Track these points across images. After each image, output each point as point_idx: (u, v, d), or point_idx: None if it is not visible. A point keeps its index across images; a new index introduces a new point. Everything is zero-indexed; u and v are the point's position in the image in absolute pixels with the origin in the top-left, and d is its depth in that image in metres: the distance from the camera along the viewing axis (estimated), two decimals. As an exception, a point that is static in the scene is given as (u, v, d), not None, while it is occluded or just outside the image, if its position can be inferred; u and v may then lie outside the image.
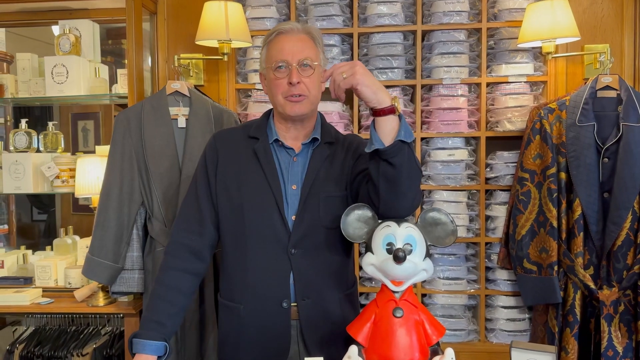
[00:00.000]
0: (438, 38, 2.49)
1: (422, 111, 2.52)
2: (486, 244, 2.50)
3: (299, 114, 1.50)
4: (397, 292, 1.31)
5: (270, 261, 1.50)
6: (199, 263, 1.56)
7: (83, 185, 2.39)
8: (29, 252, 2.78)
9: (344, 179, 1.55)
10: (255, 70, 2.52)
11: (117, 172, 2.18)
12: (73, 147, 3.73)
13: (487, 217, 2.51)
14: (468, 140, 2.52)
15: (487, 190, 2.51)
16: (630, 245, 2.13)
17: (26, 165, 2.55)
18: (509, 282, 2.46)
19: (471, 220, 2.50)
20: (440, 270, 2.48)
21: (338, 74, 1.35)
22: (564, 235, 2.23)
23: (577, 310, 2.19)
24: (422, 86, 2.52)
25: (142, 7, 2.45)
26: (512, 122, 2.44)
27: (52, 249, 2.77)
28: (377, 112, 1.32)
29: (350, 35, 2.55)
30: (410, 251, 1.30)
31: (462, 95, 2.48)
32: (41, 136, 2.71)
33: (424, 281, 2.34)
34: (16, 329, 2.69)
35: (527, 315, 2.46)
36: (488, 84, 2.49)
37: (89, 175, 2.38)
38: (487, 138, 2.49)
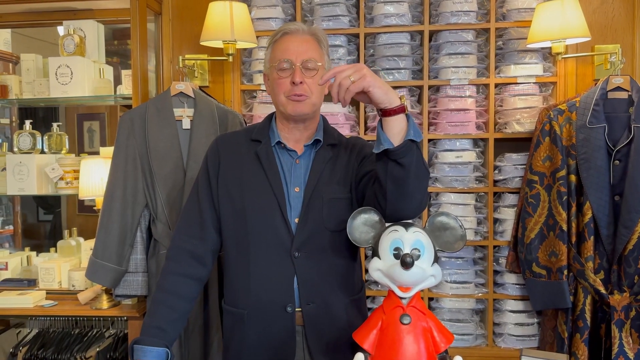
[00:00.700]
0: (446, 38, 2.46)
1: (429, 112, 2.49)
2: (494, 247, 2.46)
3: (300, 114, 1.49)
4: (404, 298, 1.28)
5: (274, 265, 1.48)
6: (200, 268, 1.54)
7: (87, 187, 2.37)
8: (33, 253, 2.77)
9: (348, 181, 1.53)
10: (261, 71, 2.50)
11: (121, 173, 2.16)
12: (79, 148, 3.72)
13: (496, 220, 2.47)
14: (476, 141, 2.49)
15: (495, 193, 2.47)
16: (642, 250, 2.09)
17: (30, 166, 2.54)
18: (517, 286, 2.42)
19: (479, 223, 2.46)
20: (448, 273, 2.45)
21: (344, 78, 1.27)
22: (573, 239, 2.20)
23: (588, 316, 2.16)
24: (430, 87, 2.49)
25: (146, 8, 2.44)
26: (521, 124, 2.40)
27: (55, 250, 2.75)
28: (387, 112, 1.29)
29: (357, 36, 2.52)
30: (418, 256, 1.27)
31: (470, 96, 2.45)
32: (45, 137, 2.70)
33: (431, 285, 2.31)
34: (20, 331, 2.68)
35: (535, 320, 2.43)
36: (496, 85, 2.46)
37: (93, 176, 2.37)
38: (496, 140, 2.45)
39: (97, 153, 3.60)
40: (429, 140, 2.49)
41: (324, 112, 2.45)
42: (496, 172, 2.46)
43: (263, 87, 2.50)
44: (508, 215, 2.42)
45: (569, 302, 2.18)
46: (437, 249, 1.33)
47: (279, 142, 1.53)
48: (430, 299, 2.49)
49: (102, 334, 2.52)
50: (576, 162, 2.18)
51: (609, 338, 2.12)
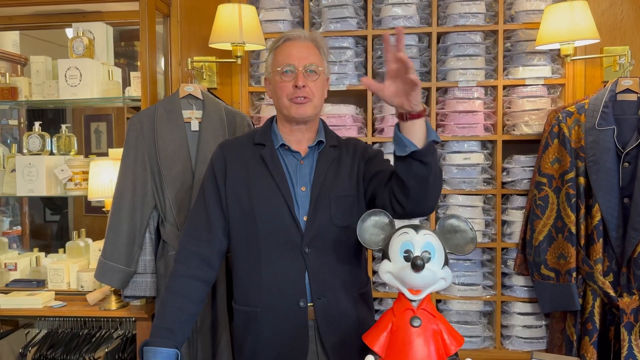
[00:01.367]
0: (454, 40, 2.46)
1: (437, 114, 2.49)
2: (502, 249, 2.46)
3: (303, 116, 1.54)
4: (414, 300, 1.28)
5: (285, 262, 1.52)
6: (208, 270, 1.57)
7: (96, 189, 2.38)
8: (42, 254, 2.78)
9: (353, 180, 1.59)
10: (269, 73, 2.50)
11: (130, 175, 2.17)
12: (86, 149, 3.74)
13: (504, 222, 2.47)
14: (484, 143, 2.49)
15: (503, 195, 2.47)
16: (652, 252, 2.08)
17: (39, 167, 2.55)
18: (525, 288, 2.42)
19: (487, 225, 2.46)
20: (456, 275, 2.44)
21: (412, 66, 1.31)
22: (582, 241, 2.19)
23: (597, 318, 2.15)
24: (437, 89, 2.49)
25: (155, 10, 2.44)
26: (530, 126, 2.40)
27: (64, 252, 2.77)
28: (413, 116, 1.35)
29: (365, 38, 2.52)
30: (429, 259, 1.27)
31: (478, 98, 2.44)
32: (54, 139, 2.71)
33: (439, 287, 2.31)
34: (29, 331, 2.70)
35: (544, 322, 2.42)
36: (505, 87, 2.46)
37: (102, 178, 2.38)
38: (504, 141, 2.45)
39: (104, 154, 3.61)
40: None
41: (332, 113, 2.48)
42: (504, 174, 2.45)
43: (270, 89, 2.51)
44: (516, 217, 2.41)
45: (577, 304, 2.18)
46: (447, 251, 1.33)
47: (282, 145, 1.58)
48: (438, 301, 2.48)
49: (110, 335, 2.53)
50: (585, 165, 2.17)
51: (618, 341, 2.11)
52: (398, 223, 1.37)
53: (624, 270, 2.13)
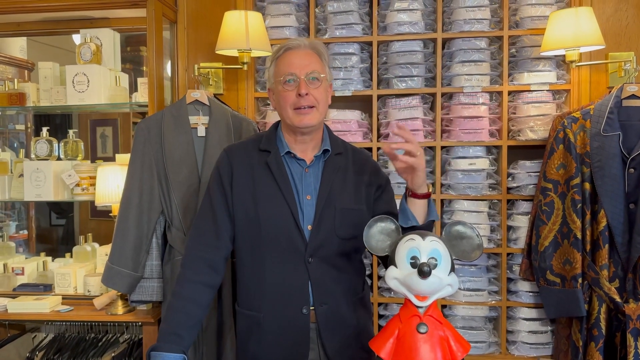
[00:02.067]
0: (459, 46, 2.47)
1: (442, 119, 2.50)
2: (508, 254, 2.46)
3: (308, 125, 1.55)
4: (421, 307, 1.29)
5: (289, 270, 1.54)
6: (214, 275, 1.58)
7: (103, 194, 2.40)
8: (49, 259, 2.80)
9: (361, 196, 1.61)
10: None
11: (137, 180, 2.19)
12: (92, 154, 3.76)
13: (509, 228, 2.47)
14: (489, 149, 2.49)
15: (508, 200, 2.47)
16: (658, 258, 2.08)
17: (47, 173, 2.57)
18: (531, 293, 2.42)
19: (492, 230, 2.46)
20: (461, 281, 2.45)
21: (415, 147, 1.41)
22: (588, 247, 2.19)
23: (603, 324, 2.14)
24: (443, 94, 2.50)
25: (162, 17, 2.46)
26: (535, 131, 2.40)
27: (71, 256, 2.78)
28: (417, 195, 1.49)
29: (370, 44, 2.53)
30: (435, 265, 1.28)
31: (483, 104, 2.45)
32: (62, 144, 2.73)
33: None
34: (35, 335, 2.71)
35: (549, 328, 2.42)
36: (510, 93, 2.46)
37: (110, 183, 2.39)
38: (509, 147, 2.45)
39: (110, 158, 3.63)
40: (442, 148, 2.49)
41: (338, 119, 2.49)
42: (509, 179, 2.46)
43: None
44: (522, 222, 2.42)
45: (583, 310, 2.17)
46: (453, 258, 1.34)
47: (288, 152, 1.59)
48: (444, 306, 2.49)
49: (116, 339, 2.55)
50: (590, 170, 2.17)
51: (624, 347, 2.10)
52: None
53: (629, 276, 2.13)
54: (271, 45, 2.45)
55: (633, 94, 2.17)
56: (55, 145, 2.69)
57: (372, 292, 2.49)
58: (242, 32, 2.26)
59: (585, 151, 2.19)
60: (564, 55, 2.34)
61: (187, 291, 1.54)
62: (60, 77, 2.72)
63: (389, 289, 2.49)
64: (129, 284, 2.19)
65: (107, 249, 2.59)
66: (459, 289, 2.45)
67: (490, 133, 2.46)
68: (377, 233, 1.39)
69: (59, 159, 2.71)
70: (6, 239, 2.97)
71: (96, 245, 2.77)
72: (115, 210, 2.33)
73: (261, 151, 1.60)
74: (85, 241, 2.77)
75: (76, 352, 2.44)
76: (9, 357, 2.52)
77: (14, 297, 2.48)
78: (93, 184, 2.56)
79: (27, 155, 3.24)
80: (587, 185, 2.19)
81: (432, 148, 2.50)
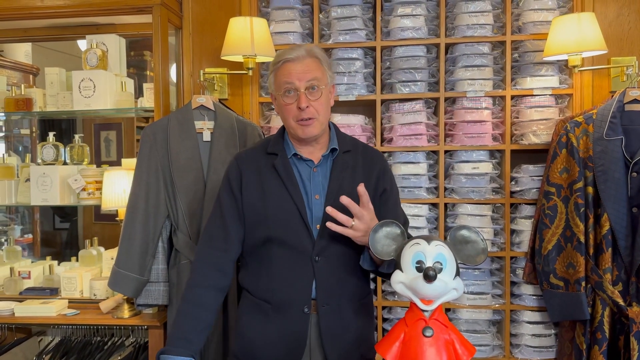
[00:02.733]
0: (462, 51, 2.48)
1: (445, 124, 2.51)
2: (511, 258, 2.47)
3: (310, 136, 1.58)
4: (426, 311, 1.31)
5: (295, 268, 1.56)
6: (223, 279, 1.61)
7: (110, 198, 2.42)
8: (55, 262, 2.82)
9: (369, 194, 1.58)
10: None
11: (143, 185, 2.20)
12: (96, 158, 3.79)
13: (513, 231, 2.48)
14: (492, 153, 2.51)
15: (512, 204, 2.48)
16: (661, 262, 2.09)
17: (53, 177, 2.58)
18: (534, 297, 2.43)
19: (496, 234, 2.47)
20: (465, 284, 2.46)
21: (348, 221, 1.49)
22: (591, 251, 2.20)
23: (606, 327, 2.15)
24: (446, 99, 2.52)
25: (168, 23, 2.49)
26: (538, 135, 2.42)
27: (76, 259, 2.80)
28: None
29: (374, 49, 2.55)
30: (441, 269, 1.29)
31: (486, 108, 2.47)
32: (67, 148, 2.75)
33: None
34: (42, 339, 2.73)
35: (553, 331, 2.43)
36: (513, 97, 2.48)
37: (116, 188, 2.41)
38: (512, 151, 2.47)
39: (113, 162, 3.65)
40: (446, 152, 2.51)
41: (342, 123, 2.51)
42: (513, 183, 2.47)
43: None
44: (525, 226, 2.43)
45: (587, 313, 2.18)
46: (458, 262, 1.35)
47: (295, 154, 1.61)
48: (448, 309, 2.50)
49: (122, 343, 2.56)
50: (593, 174, 2.19)
51: (627, 350, 2.11)
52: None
53: (633, 279, 2.14)
54: (275, 50, 2.47)
55: (635, 99, 2.18)
56: (62, 150, 2.71)
57: (376, 296, 2.50)
58: (247, 38, 2.28)
59: (588, 155, 2.21)
60: (566, 60, 2.35)
61: (196, 296, 1.56)
62: (66, 82, 2.74)
63: (394, 293, 2.51)
64: (135, 287, 2.21)
65: (112, 252, 2.61)
66: (463, 292, 2.46)
67: (493, 137, 2.47)
68: (383, 237, 1.41)
69: (64, 163, 2.73)
70: (12, 242, 2.98)
71: (102, 249, 2.79)
72: (122, 215, 2.35)
73: (269, 154, 1.63)
74: (91, 245, 2.79)
75: (82, 356, 2.46)
76: (15, 361, 2.54)
77: (20, 301, 2.49)
78: (99, 189, 2.58)
79: (33, 160, 3.27)
80: (590, 189, 2.20)
81: (435, 152, 2.52)
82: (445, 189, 2.50)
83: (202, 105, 2.28)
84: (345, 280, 1.59)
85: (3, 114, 2.77)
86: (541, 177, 2.40)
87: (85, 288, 2.57)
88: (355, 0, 2.51)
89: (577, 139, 2.22)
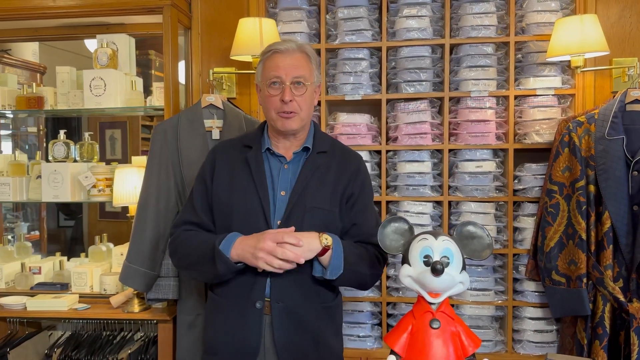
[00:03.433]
0: (466, 51, 2.53)
1: (449, 123, 2.56)
2: (514, 255, 2.51)
3: (289, 130, 1.60)
4: (433, 303, 1.35)
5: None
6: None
7: (121, 195, 2.46)
8: (64, 258, 2.87)
9: (336, 197, 1.63)
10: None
11: (154, 182, 2.25)
12: (101, 156, 3.84)
13: (515, 229, 2.52)
14: (496, 152, 2.55)
15: (515, 202, 2.53)
16: (661, 259, 2.14)
17: (64, 174, 2.63)
18: (536, 293, 2.47)
19: (499, 231, 2.52)
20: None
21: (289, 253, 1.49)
22: (593, 248, 2.24)
23: (607, 323, 2.20)
24: (450, 98, 2.56)
25: (177, 23, 2.53)
26: (540, 135, 2.46)
27: (85, 256, 2.85)
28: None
29: (379, 49, 2.59)
30: (448, 264, 1.33)
31: (490, 108, 2.51)
32: (77, 146, 2.79)
33: (452, 292, 2.37)
34: (51, 333, 2.78)
35: (554, 327, 2.47)
36: (516, 97, 2.52)
37: (127, 185, 2.46)
38: (515, 150, 2.51)
39: (119, 160, 3.70)
40: (450, 150, 2.55)
41: (347, 122, 2.55)
42: (516, 181, 2.51)
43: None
44: (527, 224, 2.47)
45: (588, 309, 2.23)
46: (464, 257, 1.40)
47: (268, 149, 1.64)
48: (451, 305, 2.53)
49: (131, 337, 2.61)
50: (595, 173, 2.23)
51: (628, 345, 2.15)
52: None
53: (633, 276, 2.18)
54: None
55: (636, 99, 2.23)
56: (72, 147, 2.75)
57: (380, 292, 2.55)
58: (256, 38, 2.33)
59: (590, 154, 2.25)
60: (569, 61, 2.39)
61: (188, 232, 1.65)
62: (77, 81, 2.79)
63: (397, 289, 2.56)
64: (146, 282, 2.25)
65: (121, 249, 2.66)
66: (466, 288, 2.50)
67: (496, 136, 2.52)
68: (391, 233, 1.45)
69: (74, 161, 2.78)
70: (22, 239, 3.03)
71: (111, 245, 2.83)
72: (133, 211, 2.40)
73: (244, 147, 1.67)
74: (101, 241, 2.83)
75: (93, 349, 2.50)
76: (27, 354, 2.58)
77: (32, 296, 2.54)
78: (109, 185, 2.63)
79: (42, 157, 3.31)
80: (592, 188, 2.24)
81: (439, 151, 2.56)
82: (450, 187, 2.55)
83: (211, 104, 2.32)
84: (303, 281, 1.59)
85: (10, 112, 2.81)
86: (544, 176, 2.45)
87: (95, 283, 2.62)
88: (361, 1, 2.56)
89: (579, 138, 2.27)
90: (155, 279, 2.27)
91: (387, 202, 2.57)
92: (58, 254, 2.95)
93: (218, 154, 1.69)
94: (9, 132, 3.97)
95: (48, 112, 2.89)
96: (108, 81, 2.59)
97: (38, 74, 3.94)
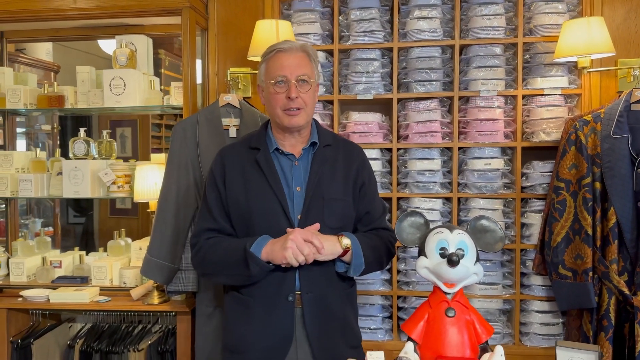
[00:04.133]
0: (475, 52, 2.59)
1: (459, 122, 2.63)
2: (522, 250, 2.58)
3: (296, 126, 1.65)
4: (449, 293, 1.43)
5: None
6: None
7: (142, 191, 2.54)
8: (83, 252, 2.95)
9: (348, 186, 1.69)
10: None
11: (174, 179, 2.33)
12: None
13: (523, 225, 2.59)
14: (504, 150, 2.62)
15: (522, 199, 2.59)
16: (664, 253, 2.21)
17: (85, 171, 2.70)
18: (543, 287, 2.54)
19: (507, 227, 2.59)
20: (477, 275, 2.57)
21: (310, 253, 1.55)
22: (598, 243, 2.31)
23: (612, 315, 2.27)
24: (460, 98, 2.63)
25: (195, 24, 2.60)
26: (547, 133, 2.53)
27: (103, 250, 2.93)
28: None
29: (391, 50, 2.66)
30: (463, 256, 1.41)
31: (498, 107, 2.58)
32: (95, 144, 2.87)
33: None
34: (71, 325, 2.86)
35: (560, 320, 2.54)
36: (524, 97, 2.59)
37: (147, 181, 2.53)
38: (523, 148, 2.58)
39: (129, 158, 3.77)
40: (459, 148, 2.62)
41: (359, 121, 2.62)
42: (523, 179, 2.58)
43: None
44: (535, 220, 2.54)
45: (594, 302, 2.30)
46: (478, 249, 1.47)
47: (277, 149, 1.68)
48: (460, 299, 2.61)
49: (150, 329, 2.69)
50: (601, 170, 2.30)
51: (632, 337, 2.22)
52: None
53: (637, 270, 2.25)
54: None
55: (641, 99, 2.30)
56: (92, 145, 2.83)
57: (391, 286, 2.63)
58: (273, 39, 2.40)
59: (595, 152, 2.32)
60: (575, 62, 2.46)
61: (211, 240, 1.67)
62: (96, 80, 2.86)
63: (407, 283, 2.63)
64: (166, 275, 2.33)
65: (140, 243, 2.74)
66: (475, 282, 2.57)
67: (505, 135, 2.59)
68: (408, 226, 1.53)
69: (93, 158, 2.85)
70: (42, 234, 3.11)
71: (129, 240, 2.91)
72: (153, 207, 2.48)
73: (252, 149, 1.70)
74: (119, 236, 2.91)
75: (113, 340, 2.58)
76: (49, 345, 2.67)
77: (54, 289, 2.62)
78: (128, 182, 2.71)
79: (53, 155, 3.39)
80: (598, 185, 2.31)
81: (449, 149, 2.63)
82: (459, 184, 2.62)
83: (228, 103, 2.39)
84: (328, 269, 1.65)
85: (25, 110, 2.88)
86: (551, 173, 2.51)
87: (114, 276, 2.70)
88: (373, 3, 2.63)
89: (586, 137, 2.34)
90: (176, 272, 2.35)
91: (398, 199, 2.64)
92: (76, 248, 3.03)
93: (226, 158, 1.71)
94: (24, 129, 4.06)
95: (67, 111, 2.96)
96: (127, 80, 2.66)
97: (52, 73, 4.02)
